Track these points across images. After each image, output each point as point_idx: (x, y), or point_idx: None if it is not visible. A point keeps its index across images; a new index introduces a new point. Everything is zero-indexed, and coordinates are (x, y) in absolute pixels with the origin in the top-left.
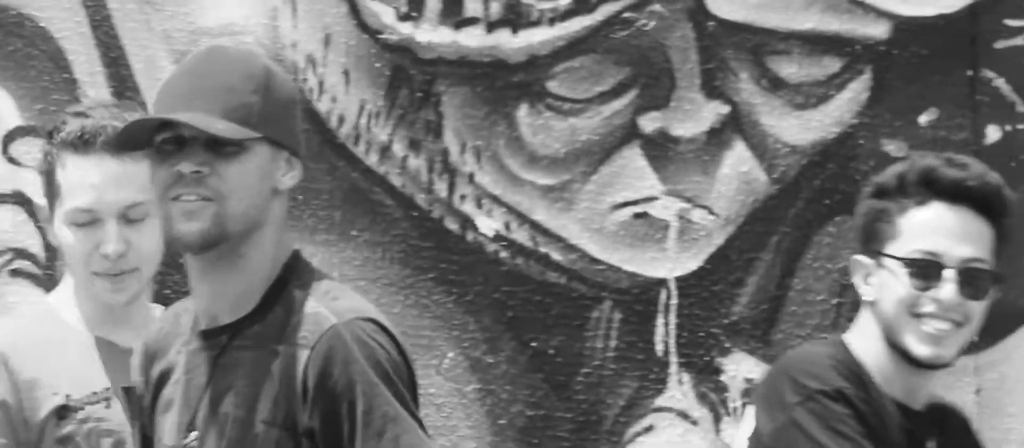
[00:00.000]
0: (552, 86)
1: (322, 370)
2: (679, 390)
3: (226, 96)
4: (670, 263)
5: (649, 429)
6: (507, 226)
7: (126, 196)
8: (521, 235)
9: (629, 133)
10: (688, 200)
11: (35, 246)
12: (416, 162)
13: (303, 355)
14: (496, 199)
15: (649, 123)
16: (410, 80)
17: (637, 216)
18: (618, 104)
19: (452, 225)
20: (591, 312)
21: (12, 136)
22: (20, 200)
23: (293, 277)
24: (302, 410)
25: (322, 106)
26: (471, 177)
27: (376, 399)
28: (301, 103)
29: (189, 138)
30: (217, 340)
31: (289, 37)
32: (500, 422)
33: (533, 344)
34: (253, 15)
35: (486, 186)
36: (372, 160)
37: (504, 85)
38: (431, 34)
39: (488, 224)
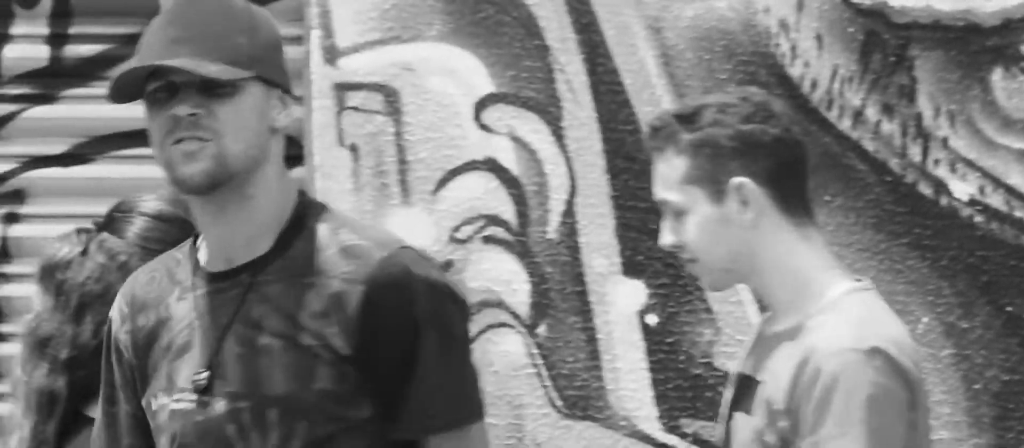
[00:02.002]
0: None
1: (388, 304)
2: None
3: (214, 39)
4: None
5: None
6: (981, 190)
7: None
8: (996, 199)
9: None
10: None
11: (508, 213)
12: (889, 127)
13: (355, 291)
14: (970, 163)
15: None
16: (883, 44)
17: None
18: None
19: (926, 190)
20: None
21: (484, 103)
22: (492, 167)
23: (309, 213)
24: (348, 339)
25: (795, 71)
26: (945, 142)
27: (442, 333)
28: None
29: (181, 84)
30: (236, 280)
31: (762, 2)
32: (975, 387)
33: (1009, 309)
34: None
35: (960, 150)
36: (845, 125)
37: (978, 49)
38: None
39: (962, 188)
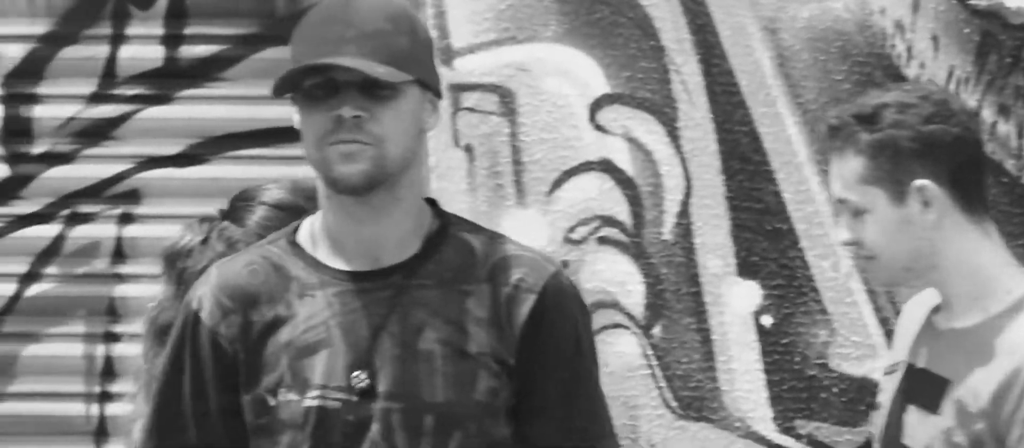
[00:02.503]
0: None
1: (554, 316)
2: None
3: (377, 39)
4: None
5: None
6: None
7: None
8: None
9: None
10: None
11: (623, 214)
12: (1005, 128)
13: (526, 298)
14: None
15: None
16: (999, 45)
17: None
18: None
19: None
20: None
21: (599, 104)
22: (607, 168)
23: (451, 220)
24: (512, 347)
25: (910, 72)
26: None
27: (593, 354)
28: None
29: (343, 83)
30: (387, 281)
31: (878, 3)
32: None
33: None
34: None
35: None
36: None
37: None
38: None
39: None
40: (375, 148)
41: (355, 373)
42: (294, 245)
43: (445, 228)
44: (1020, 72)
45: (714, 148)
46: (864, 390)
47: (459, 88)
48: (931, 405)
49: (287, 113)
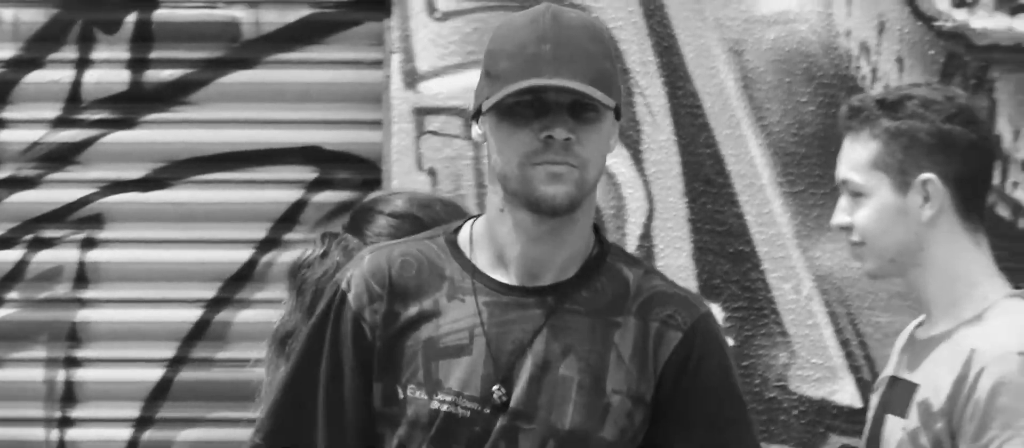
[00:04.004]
0: None
1: (699, 356)
2: None
3: (588, 62)
4: None
5: None
6: None
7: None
8: None
9: None
10: None
11: None
12: None
13: (673, 336)
14: None
15: None
16: (964, 66)
17: None
18: None
19: (1003, 212)
20: None
21: None
22: None
23: (610, 249)
24: (652, 383)
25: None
26: None
27: (740, 401)
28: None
29: (553, 103)
30: (541, 300)
31: (843, 25)
32: None
33: None
34: (808, 2)
35: None
36: None
37: None
38: (986, 20)
39: None
40: (580, 171)
41: (495, 387)
42: (453, 246)
43: (603, 256)
44: (984, 93)
45: (677, 170)
46: (824, 412)
47: (423, 111)
48: (903, 410)
49: (252, 137)
